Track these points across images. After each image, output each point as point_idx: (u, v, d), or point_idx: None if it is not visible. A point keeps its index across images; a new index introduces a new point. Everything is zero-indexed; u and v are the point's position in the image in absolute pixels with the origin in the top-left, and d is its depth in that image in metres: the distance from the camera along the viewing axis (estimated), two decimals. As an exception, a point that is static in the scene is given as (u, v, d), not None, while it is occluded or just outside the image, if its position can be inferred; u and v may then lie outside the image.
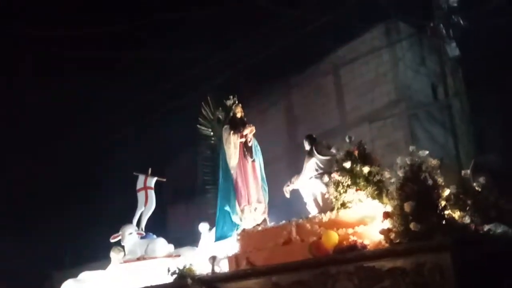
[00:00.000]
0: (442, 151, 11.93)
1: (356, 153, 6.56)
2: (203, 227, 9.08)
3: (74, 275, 12.70)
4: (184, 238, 10.49)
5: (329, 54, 14.75)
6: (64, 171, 17.43)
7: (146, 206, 9.42)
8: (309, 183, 7.39)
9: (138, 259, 8.50)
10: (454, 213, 5.79)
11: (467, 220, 5.81)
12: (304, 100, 15.52)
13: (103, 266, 9.60)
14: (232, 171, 8.36)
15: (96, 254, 15.23)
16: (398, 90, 13.40)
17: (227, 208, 8.27)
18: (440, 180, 5.73)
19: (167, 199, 18.62)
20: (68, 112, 17.29)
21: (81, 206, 18.08)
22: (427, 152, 5.91)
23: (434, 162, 5.80)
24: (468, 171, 6.61)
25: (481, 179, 6.35)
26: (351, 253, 5.75)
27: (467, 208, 5.95)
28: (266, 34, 13.12)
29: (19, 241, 17.29)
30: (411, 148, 6.00)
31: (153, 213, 9.53)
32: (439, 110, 13.40)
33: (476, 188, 6.26)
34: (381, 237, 5.74)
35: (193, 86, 14.38)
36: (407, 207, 5.41)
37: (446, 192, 5.76)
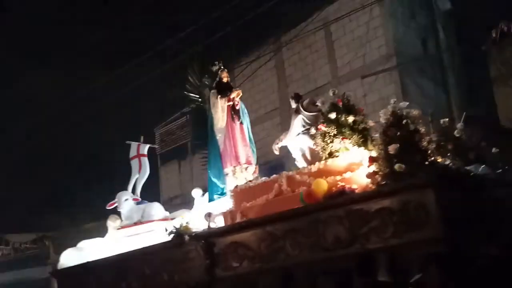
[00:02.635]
0: (433, 105, 12.48)
1: (340, 104, 7.11)
2: (196, 192, 9.62)
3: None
4: (177, 198, 11.02)
5: (319, 11, 15.18)
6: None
7: (140, 173, 10.00)
8: (297, 139, 7.97)
9: (135, 223, 9.08)
10: (436, 157, 6.37)
11: (448, 162, 6.43)
12: (295, 57, 16.06)
13: (98, 227, 10.29)
14: (220, 134, 8.96)
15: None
16: (389, 45, 13.87)
17: (214, 172, 8.93)
18: (421, 128, 6.29)
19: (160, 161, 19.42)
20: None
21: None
22: (407, 103, 6.47)
23: (415, 112, 6.36)
24: (446, 120, 7.17)
25: (460, 126, 6.94)
26: (340, 197, 6.33)
27: (448, 153, 6.57)
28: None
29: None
30: (392, 100, 6.57)
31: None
32: (430, 65, 13.90)
33: (456, 135, 6.84)
34: (368, 180, 6.32)
35: (184, 47, 14.89)
36: (391, 149, 5.97)
37: (429, 137, 6.36)
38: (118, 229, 9.29)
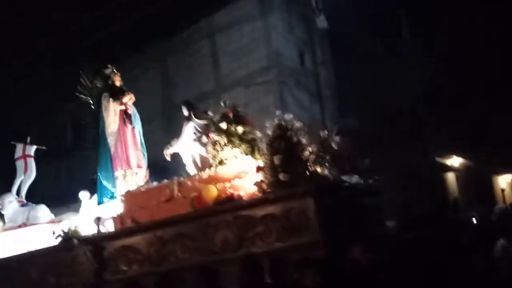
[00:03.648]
0: (308, 116, 13.32)
1: (230, 114, 7.50)
2: (83, 195, 9.49)
3: None
4: (55, 199, 10.81)
5: (204, 19, 15.58)
6: None
7: (26, 174, 9.74)
8: (188, 145, 8.24)
9: (20, 226, 8.85)
10: (316, 167, 6.95)
11: (326, 172, 7.03)
12: (179, 63, 16.33)
13: None
14: (111, 138, 8.96)
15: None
16: (270, 57, 14.61)
17: (104, 175, 8.94)
18: (303, 139, 6.84)
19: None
20: None
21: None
22: (291, 115, 6.99)
23: (298, 124, 6.90)
24: (327, 132, 7.82)
25: (337, 138, 7.58)
26: (228, 203, 6.70)
27: (326, 164, 7.18)
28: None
29: None
30: (277, 112, 7.06)
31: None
32: (307, 77, 14.79)
33: (334, 147, 7.48)
34: (255, 188, 6.75)
35: (63, 47, 14.59)
36: (276, 160, 6.45)
37: (309, 149, 6.92)
38: (1, 231, 8.97)
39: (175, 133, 12.62)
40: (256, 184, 6.71)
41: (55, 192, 11.11)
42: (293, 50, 14.93)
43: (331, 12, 12.66)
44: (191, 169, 8.18)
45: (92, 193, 9.40)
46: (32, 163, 9.91)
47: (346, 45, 13.54)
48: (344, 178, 7.08)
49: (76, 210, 9.49)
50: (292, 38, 14.93)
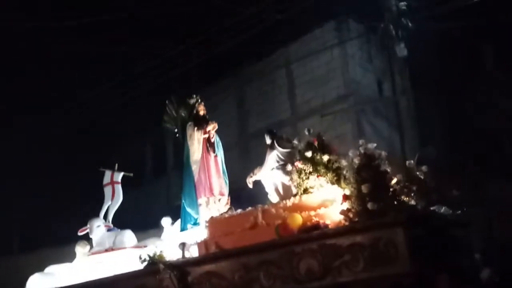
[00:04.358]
0: (386, 144, 13.13)
1: (315, 143, 7.53)
2: (165, 221, 9.73)
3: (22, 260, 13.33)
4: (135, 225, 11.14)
5: (281, 49, 15.79)
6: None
7: (113, 200, 10.08)
8: (271, 174, 8.31)
9: (107, 250, 9.14)
10: (403, 197, 6.86)
11: (413, 203, 6.92)
12: (256, 93, 16.56)
13: (57, 252, 10.16)
14: (195, 166, 9.20)
15: (45, 240, 15.80)
16: (347, 86, 14.58)
17: (188, 202, 9.16)
18: (388, 168, 6.78)
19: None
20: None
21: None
22: (375, 144, 6.96)
23: (383, 153, 6.85)
24: (412, 162, 7.72)
25: (423, 168, 7.47)
26: (314, 232, 6.68)
27: (412, 194, 7.06)
28: (220, 29, 13.99)
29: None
30: (360, 141, 7.03)
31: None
32: (385, 106, 14.64)
33: (420, 176, 7.36)
34: (341, 217, 6.70)
35: (143, 78, 15.19)
36: (364, 189, 6.41)
37: (395, 179, 6.85)
38: (89, 255, 9.30)
39: (251, 161, 12.93)
40: (343, 212, 6.68)
41: (135, 218, 11.42)
42: (371, 78, 14.86)
43: (411, 41, 12.53)
44: (273, 197, 8.23)
45: (173, 220, 9.67)
46: (119, 189, 10.25)
47: (426, 73, 13.37)
48: (432, 208, 6.96)
49: (156, 235, 9.73)
50: (370, 67, 14.89)
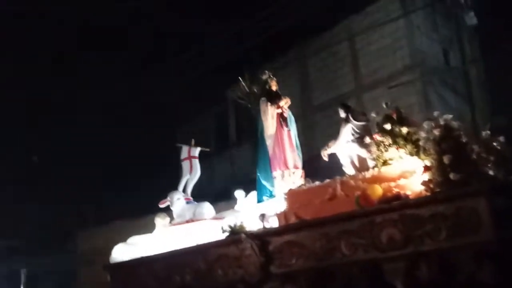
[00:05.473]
0: (455, 115, 13.02)
1: (394, 116, 7.67)
2: (239, 194, 10.11)
3: (99, 233, 14.13)
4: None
5: (344, 21, 15.81)
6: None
7: (191, 174, 10.55)
8: (346, 146, 8.52)
9: (187, 221, 9.59)
10: (483, 168, 6.93)
11: (492, 173, 6.98)
12: (319, 65, 16.68)
13: (133, 224, 10.70)
14: (269, 140, 9.49)
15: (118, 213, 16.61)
16: (413, 56, 14.50)
17: (263, 175, 9.49)
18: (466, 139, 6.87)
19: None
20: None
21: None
22: (451, 115, 7.03)
23: (460, 124, 6.93)
24: (489, 132, 7.74)
25: (501, 138, 7.48)
26: (395, 202, 6.85)
27: (490, 164, 7.12)
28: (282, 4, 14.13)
29: (40, 199, 18.30)
30: (435, 113, 7.11)
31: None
32: (452, 76, 14.50)
33: (497, 147, 7.39)
34: (421, 188, 6.85)
35: (210, 56, 15.56)
36: (446, 160, 6.52)
37: (475, 149, 6.92)
38: (170, 226, 9.78)
39: (315, 135, 13.09)
40: (424, 183, 6.81)
41: (208, 191, 11.88)
42: (438, 48, 14.72)
43: (480, 8, 12.35)
44: (348, 169, 8.45)
45: (246, 192, 10.03)
46: (197, 164, 10.69)
47: (497, 41, 13.16)
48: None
49: (229, 207, 10.13)
50: (436, 37, 14.73)
